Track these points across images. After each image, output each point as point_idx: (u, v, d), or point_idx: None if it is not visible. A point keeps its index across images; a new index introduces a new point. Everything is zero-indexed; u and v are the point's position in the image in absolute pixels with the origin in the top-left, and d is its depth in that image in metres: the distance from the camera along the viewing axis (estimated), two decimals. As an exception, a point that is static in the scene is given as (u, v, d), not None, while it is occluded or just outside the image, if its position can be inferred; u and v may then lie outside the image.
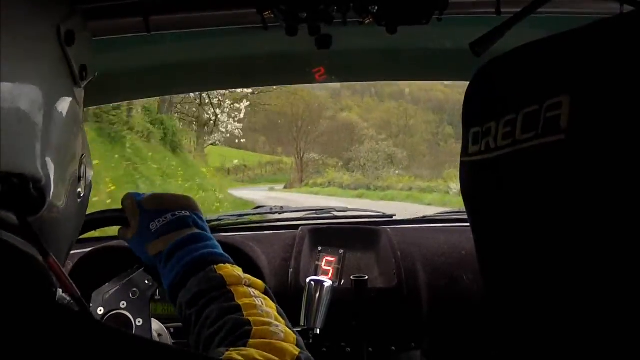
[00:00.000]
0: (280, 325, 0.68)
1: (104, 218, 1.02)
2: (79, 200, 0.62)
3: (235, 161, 34.48)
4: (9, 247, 0.50)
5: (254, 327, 0.65)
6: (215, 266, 0.77)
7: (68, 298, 1.00)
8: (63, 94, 0.56)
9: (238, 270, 0.78)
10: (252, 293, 0.74)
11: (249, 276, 0.78)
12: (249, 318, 0.67)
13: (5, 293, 0.43)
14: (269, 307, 0.72)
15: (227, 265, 0.78)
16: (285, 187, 27.81)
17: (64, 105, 0.56)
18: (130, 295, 1.09)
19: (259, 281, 0.78)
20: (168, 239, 0.83)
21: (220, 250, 0.83)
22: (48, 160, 0.52)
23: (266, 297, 0.76)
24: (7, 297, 0.43)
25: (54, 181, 0.53)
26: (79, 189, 0.62)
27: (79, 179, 0.61)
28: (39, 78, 0.51)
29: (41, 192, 0.52)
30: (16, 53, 0.48)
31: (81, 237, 1.23)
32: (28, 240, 0.52)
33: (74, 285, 0.60)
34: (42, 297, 0.49)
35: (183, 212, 0.87)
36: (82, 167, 0.62)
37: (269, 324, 0.66)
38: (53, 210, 0.55)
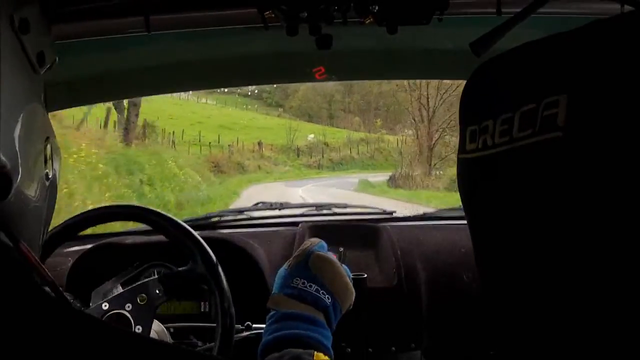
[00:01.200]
0: None
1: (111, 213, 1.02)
2: (47, 182, 0.62)
3: (311, 136, 31.43)
4: None
5: None
6: (315, 352, 0.76)
7: (69, 296, 1.01)
8: (21, 82, 0.57)
9: None
10: None
11: None
12: None
13: None
14: None
15: (324, 357, 0.77)
16: (391, 183, 19.30)
17: (23, 93, 0.57)
18: (138, 300, 1.09)
19: None
20: (296, 305, 0.83)
21: (329, 342, 0.82)
22: (11, 145, 0.52)
23: None
24: None
25: (20, 166, 0.54)
26: (47, 170, 0.62)
27: (45, 160, 0.62)
28: None
29: (7, 177, 0.51)
30: None
31: (81, 233, 1.23)
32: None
33: (46, 270, 0.60)
34: (21, 285, 0.48)
35: (327, 295, 0.86)
36: (48, 148, 0.63)
37: None
38: (21, 195, 0.55)
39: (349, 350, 1.43)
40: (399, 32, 0.95)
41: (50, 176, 0.63)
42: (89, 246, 1.52)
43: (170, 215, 1.16)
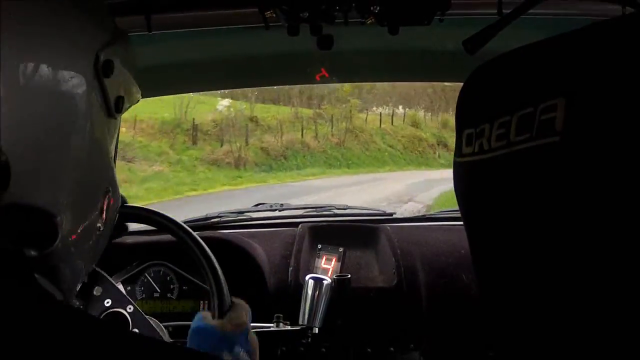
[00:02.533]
0: None
1: (217, 284, 1.00)
2: (97, 233, 0.59)
3: (224, 102, 17.62)
4: (23, 277, 0.47)
5: None
6: None
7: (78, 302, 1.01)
8: (93, 125, 0.53)
9: None
10: None
11: None
12: None
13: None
14: None
15: None
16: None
17: (93, 137, 0.53)
18: (140, 299, 1.09)
19: None
20: None
21: None
22: (67, 194, 0.50)
23: None
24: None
25: (71, 216, 0.51)
26: (99, 224, 0.59)
27: (101, 212, 0.59)
28: (67, 108, 0.48)
29: (54, 228, 0.49)
30: (47, 78, 0.45)
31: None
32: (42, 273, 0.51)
33: None
34: (21, 284, 0.47)
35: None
36: (106, 200, 0.59)
37: None
38: (66, 244, 0.52)
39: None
40: (400, 33, 0.95)
41: (102, 229, 0.60)
42: None
43: (170, 216, 1.16)
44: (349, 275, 1.38)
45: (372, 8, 0.91)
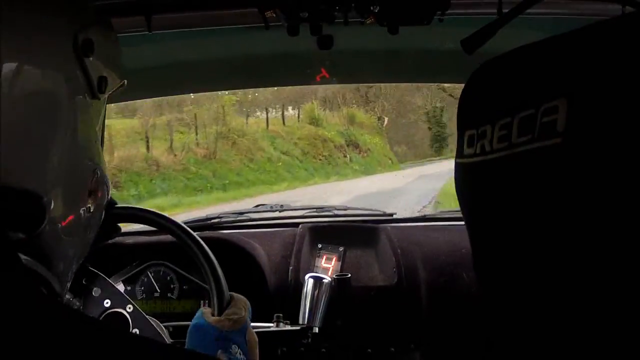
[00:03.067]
0: None
1: (215, 280, 1.00)
2: (87, 214, 0.59)
3: None
4: (14, 262, 0.47)
5: None
6: None
7: (67, 296, 1.01)
8: (77, 106, 0.54)
9: None
10: None
11: None
12: None
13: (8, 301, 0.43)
14: None
15: None
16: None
17: (77, 118, 0.54)
18: (139, 298, 1.09)
19: None
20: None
21: None
22: (53, 175, 0.50)
23: None
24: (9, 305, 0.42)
25: (59, 197, 0.51)
26: (89, 204, 0.59)
27: (90, 193, 0.58)
28: (50, 89, 0.49)
29: (41, 209, 0.49)
30: (28, 60, 0.46)
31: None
32: (34, 256, 0.50)
33: None
34: (45, 305, 0.48)
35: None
36: (93, 181, 0.59)
37: None
38: (55, 227, 0.52)
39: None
40: (400, 33, 0.95)
41: (91, 210, 0.60)
42: None
43: (170, 216, 1.16)
44: (349, 275, 1.38)
45: (371, 8, 0.91)
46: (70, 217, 0.55)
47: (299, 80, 1.74)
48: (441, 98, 19.65)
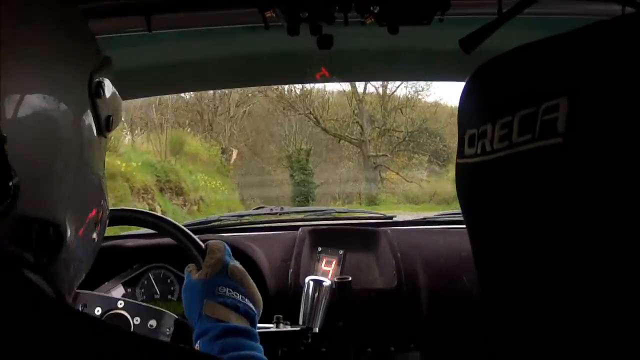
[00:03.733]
0: None
1: (188, 238, 1.02)
2: (93, 243, 0.63)
3: None
4: (28, 283, 0.50)
5: None
6: None
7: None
8: (88, 143, 0.57)
9: None
10: None
11: None
12: None
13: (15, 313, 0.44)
14: None
15: None
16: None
17: (88, 154, 0.57)
18: (148, 324, 1.10)
19: None
20: (228, 314, 0.85)
21: (262, 355, 0.84)
22: (69, 207, 0.54)
23: None
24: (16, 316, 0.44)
25: (73, 227, 0.55)
26: (94, 235, 0.63)
27: (96, 224, 0.62)
28: (65, 127, 0.52)
29: (59, 236, 0.53)
30: (48, 98, 0.49)
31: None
32: (46, 278, 0.53)
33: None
34: (21, 286, 0.50)
35: (250, 305, 0.90)
36: (100, 213, 0.63)
37: None
38: (68, 253, 0.56)
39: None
40: (400, 33, 0.95)
41: (96, 241, 0.64)
42: None
43: (170, 219, 1.17)
44: (350, 278, 1.38)
45: (371, 8, 0.91)
46: (81, 245, 0.59)
47: (300, 79, 1.75)
48: (310, 133, 16.03)
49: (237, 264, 0.95)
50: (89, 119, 0.57)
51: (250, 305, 0.90)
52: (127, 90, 1.71)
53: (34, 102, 0.48)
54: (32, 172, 0.48)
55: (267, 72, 1.54)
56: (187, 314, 0.91)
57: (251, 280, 0.94)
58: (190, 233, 1.01)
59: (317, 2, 0.91)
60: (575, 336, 0.44)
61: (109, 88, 0.60)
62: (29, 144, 0.48)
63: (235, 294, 0.88)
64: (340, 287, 1.34)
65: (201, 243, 0.99)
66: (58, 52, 0.52)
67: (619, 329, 0.41)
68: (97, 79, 0.57)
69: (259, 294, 0.94)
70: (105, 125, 0.60)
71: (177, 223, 1.05)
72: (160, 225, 1.05)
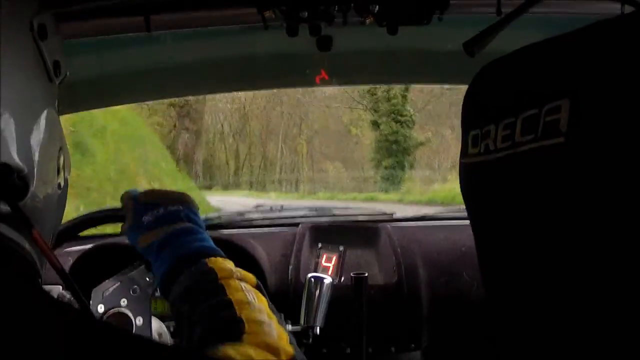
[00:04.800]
0: (273, 323, 0.65)
1: (104, 216, 1.03)
2: (59, 190, 0.63)
3: None
4: None
5: (247, 324, 0.63)
6: (206, 259, 0.75)
7: (68, 295, 1.01)
8: (39, 89, 0.57)
9: (229, 264, 0.77)
10: (243, 287, 0.71)
11: (240, 270, 0.76)
12: (241, 315, 0.65)
13: None
14: (261, 302, 0.70)
15: (219, 258, 0.77)
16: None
17: (40, 100, 0.57)
18: (131, 293, 1.09)
19: (250, 275, 0.76)
20: (158, 232, 0.83)
21: (211, 243, 0.82)
22: (28, 151, 0.54)
23: (257, 291, 0.73)
24: None
25: (36, 172, 0.55)
26: (59, 180, 0.63)
27: (58, 170, 0.62)
28: (15, 73, 0.52)
29: (24, 181, 0.53)
30: None
31: (81, 234, 1.24)
32: (15, 225, 0.53)
33: (57, 259, 0.60)
34: (26, 283, 0.49)
35: (175, 206, 0.87)
36: (61, 159, 0.63)
37: (262, 322, 0.64)
38: (35, 200, 0.56)
39: (349, 350, 1.43)
40: (399, 34, 0.95)
41: (62, 185, 0.64)
42: (89, 246, 1.52)
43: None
44: (367, 274, 1.37)
45: (371, 8, 0.91)
46: (46, 192, 0.59)
47: (298, 81, 1.74)
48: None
49: (144, 190, 0.92)
50: (37, 63, 0.58)
51: (176, 207, 0.86)
52: (125, 93, 1.71)
53: None
54: None
55: (267, 75, 1.53)
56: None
57: (161, 190, 0.92)
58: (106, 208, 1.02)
59: (317, 2, 0.90)
60: (576, 333, 0.45)
61: (52, 32, 0.60)
62: None
63: (157, 211, 0.85)
64: (356, 283, 1.34)
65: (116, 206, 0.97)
66: None
67: (619, 326, 0.41)
68: (39, 22, 0.57)
69: (175, 191, 0.92)
70: (54, 70, 0.61)
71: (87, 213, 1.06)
72: (79, 224, 1.05)
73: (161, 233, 0.82)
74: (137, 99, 1.88)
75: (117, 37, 1.04)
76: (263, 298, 0.72)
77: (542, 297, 0.48)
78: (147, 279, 1.11)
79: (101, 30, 1.02)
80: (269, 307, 0.70)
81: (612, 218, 0.40)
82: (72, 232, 1.08)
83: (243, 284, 0.72)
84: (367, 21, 0.94)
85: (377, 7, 0.91)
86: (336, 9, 0.93)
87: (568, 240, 0.44)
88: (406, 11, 0.92)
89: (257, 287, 0.75)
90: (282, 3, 0.91)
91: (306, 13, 0.93)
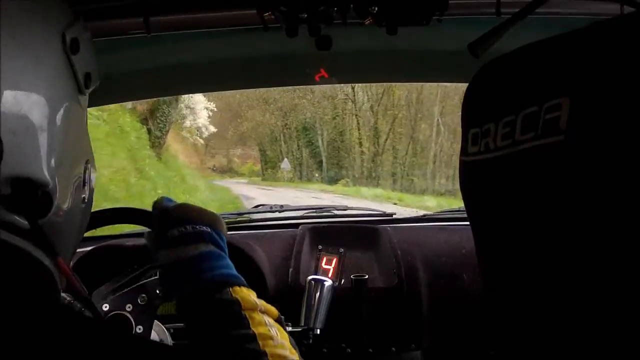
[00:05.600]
0: (295, 359, 0.66)
1: (134, 215, 1.01)
2: (83, 204, 0.63)
3: None
4: (17, 250, 0.50)
5: (270, 359, 0.64)
6: (231, 288, 0.74)
7: (68, 297, 1.02)
8: (68, 101, 0.57)
9: (253, 295, 0.76)
10: (266, 321, 0.71)
11: (263, 302, 0.75)
12: (265, 349, 0.65)
13: (11, 295, 0.44)
14: (283, 338, 0.70)
15: (243, 288, 0.75)
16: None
17: (69, 112, 0.57)
18: (139, 301, 1.09)
19: (272, 308, 0.76)
20: (181, 250, 0.81)
21: (234, 271, 0.80)
22: (54, 165, 0.53)
23: (279, 325, 0.73)
24: (13, 299, 0.44)
25: (60, 185, 0.54)
26: (83, 195, 0.62)
27: (84, 183, 0.62)
28: (44, 86, 0.52)
29: (48, 196, 0.53)
30: (22, 61, 0.50)
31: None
32: (37, 242, 0.53)
33: (83, 286, 0.60)
34: (47, 299, 0.49)
35: (204, 227, 0.85)
36: (87, 172, 0.63)
37: (285, 357, 0.65)
38: (59, 214, 0.55)
39: (349, 350, 1.42)
40: (398, 33, 0.95)
41: (86, 200, 0.63)
42: (89, 248, 1.53)
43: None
44: (367, 276, 1.37)
45: (370, 8, 0.91)
46: (71, 205, 0.58)
47: (299, 80, 1.74)
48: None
49: (178, 203, 0.91)
50: (67, 77, 0.57)
51: (204, 228, 0.84)
52: (126, 93, 1.71)
53: (11, 63, 0.48)
54: (14, 134, 0.48)
55: (266, 75, 1.53)
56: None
57: (194, 206, 0.89)
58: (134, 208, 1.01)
59: (316, 3, 0.90)
60: (576, 331, 0.45)
61: (84, 44, 0.60)
62: (8, 108, 0.47)
63: (184, 228, 0.83)
64: (357, 285, 1.34)
65: (146, 209, 0.96)
66: (28, 13, 0.52)
67: (619, 325, 0.41)
68: (72, 36, 0.57)
69: (209, 212, 0.90)
70: (84, 82, 0.61)
71: (117, 207, 1.06)
72: (111, 215, 1.05)
73: (184, 252, 0.80)
74: (136, 98, 1.88)
75: (119, 38, 1.04)
76: (284, 333, 0.72)
77: (541, 296, 0.48)
78: (157, 291, 1.10)
79: (103, 32, 1.02)
80: (290, 342, 0.71)
81: (612, 216, 0.40)
82: (103, 222, 1.07)
83: (266, 318, 0.72)
84: (367, 22, 0.94)
85: (376, 8, 0.91)
86: (335, 10, 0.93)
87: (568, 238, 0.44)
88: (405, 12, 0.92)
89: (279, 321, 0.75)
90: (281, 4, 0.91)
91: (305, 14, 0.93)
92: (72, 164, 0.59)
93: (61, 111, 0.55)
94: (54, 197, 0.53)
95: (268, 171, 22.62)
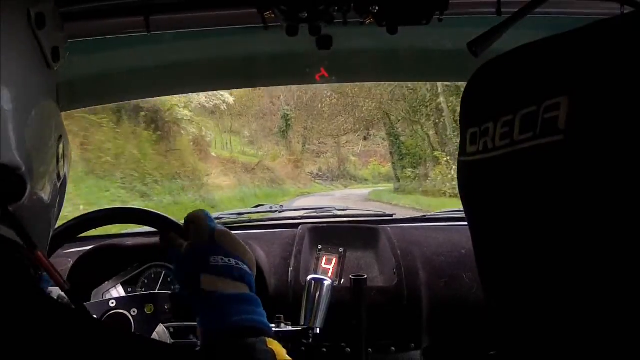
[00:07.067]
0: None
1: (161, 222, 0.98)
2: (58, 182, 0.62)
3: None
4: None
5: None
6: (266, 339, 0.75)
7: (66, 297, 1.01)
8: (36, 78, 0.56)
9: (283, 350, 0.76)
10: None
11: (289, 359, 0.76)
12: None
13: None
14: None
15: (274, 341, 0.77)
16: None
17: (37, 89, 0.56)
18: (145, 310, 1.09)
19: None
20: (228, 284, 0.82)
21: (267, 321, 0.82)
22: (25, 147, 0.52)
23: None
24: None
25: (35, 166, 0.53)
26: (58, 170, 0.62)
27: (58, 160, 0.61)
28: (10, 65, 0.51)
29: (21, 179, 0.52)
30: None
31: (81, 235, 1.24)
32: (15, 229, 0.52)
33: (62, 276, 0.59)
34: (27, 288, 0.48)
35: (245, 265, 0.86)
36: (60, 147, 0.62)
37: None
38: (34, 197, 0.54)
39: (349, 350, 1.42)
40: (399, 33, 0.95)
41: (61, 176, 0.63)
42: (89, 247, 1.52)
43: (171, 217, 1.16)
44: (366, 276, 1.38)
45: (370, 8, 0.91)
46: (46, 185, 0.58)
47: (299, 79, 1.74)
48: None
49: (221, 227, 0.91)
50: (35, 52, 0.57)
51: (246, 268, 0.86)
52: (126, 91, 1.71)
53: None
54: None
55: (267, 73, 1.53)
56: (180, 290, 0.88)
57: (238, 240, 0.90)
58: (163, 214, 0.99)
59: (316, 2, 0.91)
60: (576, 331, 0.45)
61: (50, 19, 0.59)
62: None
63: (229, 260, 0.84)
64: (355, 285, 1.34)
65: (175, 224, 0.96)
66: None
67: (619, 325, 0.41)
68: (37, 11, 0.57)
69: (250, 252, 0.91)
70: (52, 57, 0.60)
71: (144, 208, 1.03)
72: (138, 217, 1.03)
73: (229, 287, 0.82)
74: (136, 97, 1.88)
75: (119, 37, 1.04)
76: None
77: (540, 296, 0.48)
78: (166, 306, 1.10)
79: (103, 30, 1.02)
80: None
81: (611, 216, 0.40)
82: (119, 220, 1.06)
83: None
84: (367, 21, 0.94)
85: (377, 7, 0.92)
86: (336, 9, 0.93)
87: (567, 238, 0.44)
88: (406, 11, 0.92)
89: None
90: (282, 3, 0.91)
91: (306, 14, 0.93)
92: (44, 141, 0.58)
93: (30, 89, 0.54)
94: (27, 180, 0.52)
95: (407, 172, 16.01)
